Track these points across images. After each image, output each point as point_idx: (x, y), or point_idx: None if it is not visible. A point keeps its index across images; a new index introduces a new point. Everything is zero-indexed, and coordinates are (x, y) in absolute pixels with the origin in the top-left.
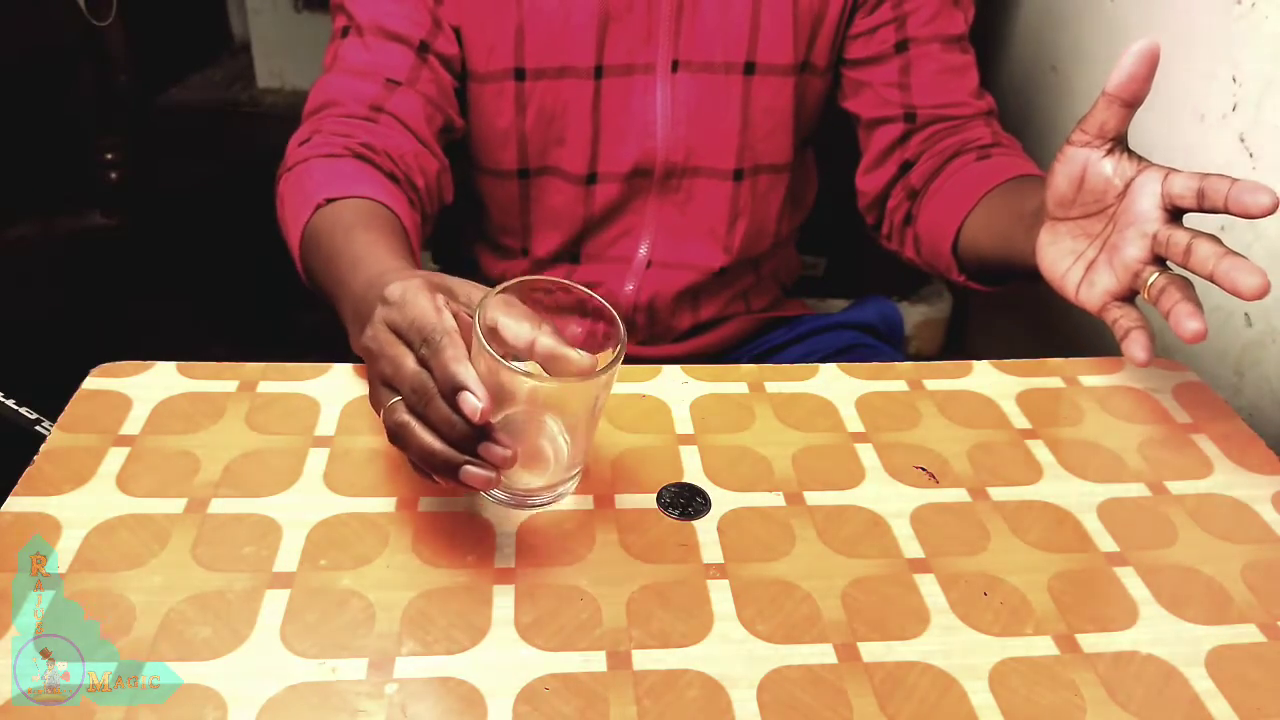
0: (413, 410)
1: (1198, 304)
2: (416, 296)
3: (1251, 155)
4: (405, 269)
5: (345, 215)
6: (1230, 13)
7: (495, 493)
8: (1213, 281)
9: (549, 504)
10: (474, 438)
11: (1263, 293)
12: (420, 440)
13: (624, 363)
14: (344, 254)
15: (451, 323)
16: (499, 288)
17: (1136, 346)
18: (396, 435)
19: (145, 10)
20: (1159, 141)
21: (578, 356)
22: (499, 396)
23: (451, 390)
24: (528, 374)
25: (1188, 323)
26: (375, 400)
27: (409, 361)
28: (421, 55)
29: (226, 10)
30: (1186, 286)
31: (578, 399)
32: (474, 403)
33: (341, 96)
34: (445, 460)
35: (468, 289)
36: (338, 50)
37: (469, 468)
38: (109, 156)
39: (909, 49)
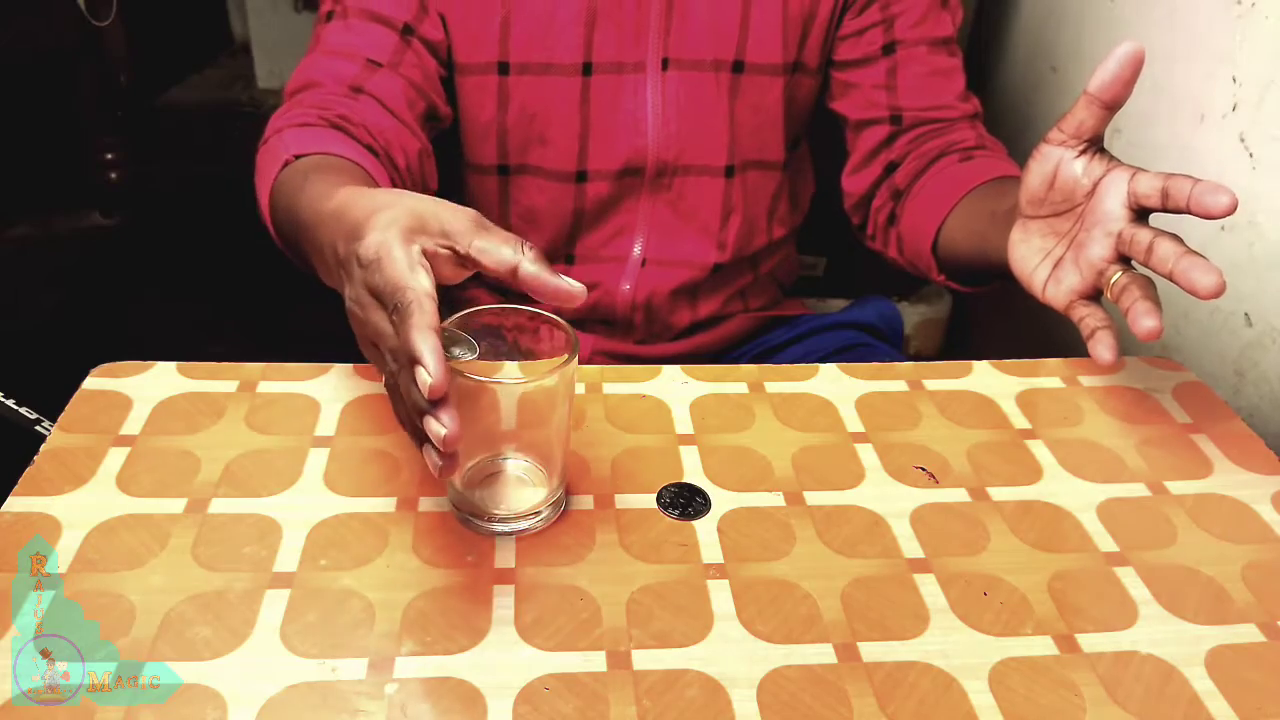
0: (394, 376)
1: (1156, 303)
2: (389, 252)
3: (1251, 155)
4: (363, 201)
5: (307, 166)
6: (1230, 12)
7: (482, 523)
8: (1171, 280)
9: (538, 526)
10: (428, 410)
11: (1218, 292)
12: (397, 410)
13: (624, 362)
14: (301, 198)
15: (423, 281)
16: (449, 321)
17: (1102, 346)
18: (391, 400)
19: (145, 10)
20: (1159, 141)
21: (568, 284)
22: (464, 408)
23: (409, 361)
24: (474, 377)
25: (1144, 320)
26: (370, 359)
27: (386, 326)
28: (405, 38)
29: (226, 10)
30: (1147, 285)
31: (541, 400)
32: (424, 378)
33: (321, 77)
34: (412, 431)
35: (441, 216)
36: (320, 33)
37: (426, 447)
38: (109, 156)
39: (896, 51)
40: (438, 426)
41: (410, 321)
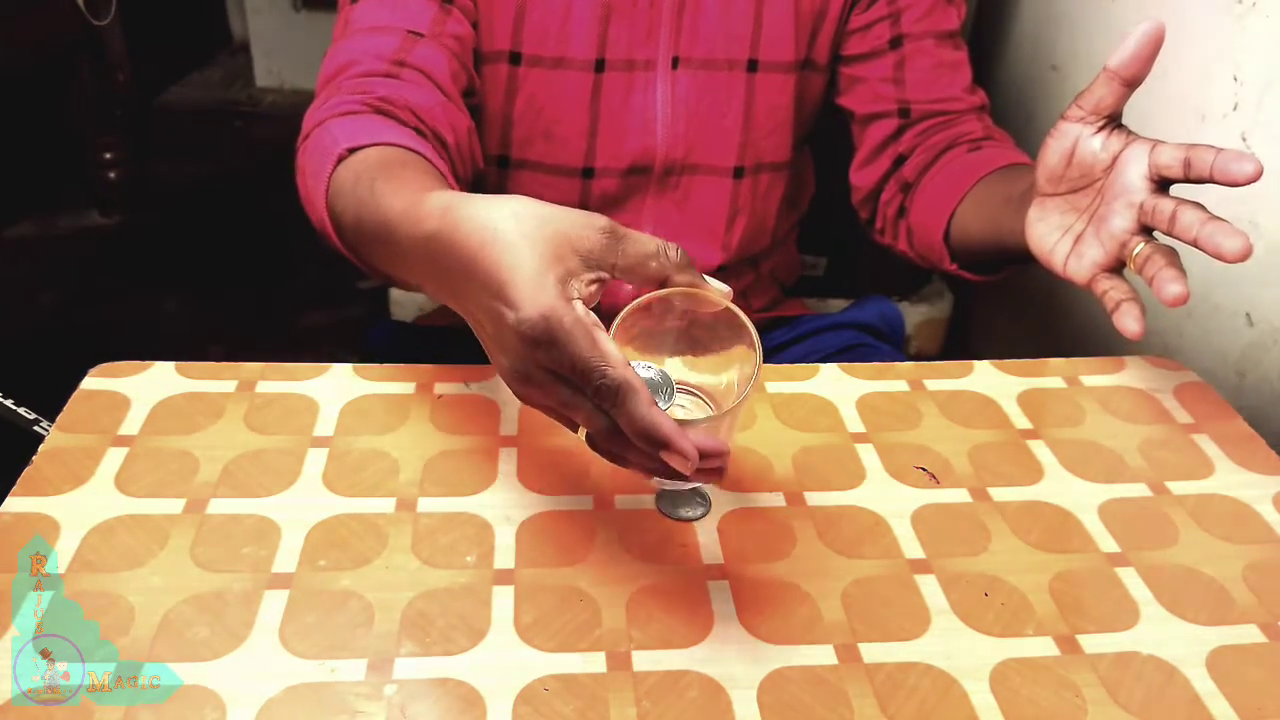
0: (606, 448)
1: (1181, 270)
2: (561, 328)
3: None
4: (474, 238)
5: (366, 166)
6: (1231, 12)
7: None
8: (1197, 246)
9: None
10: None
11: (1245, 255)
12: (636, 462)
13: None
14: (378, 208)
15: (613, 354)
16: (616, 334)
17: (1129, 318)
18: (609, 459)
19: (144, 9)
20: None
21: (717, 291)
22: None
23: (652, 447)
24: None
25: (1170, 286)
26: (544, 411)
27: (584, 405)
28: (445, 6)
29: (226, 10)
30: (1171, 254)
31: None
32: (684, 464)
33: (358, 56)
34: (672, 475)
35: (579, 243)
36: (348, 16)
37: (699, 472)
38: (108, 156)
39: (903, 45)
40: (718, 463)
41: (628, 405)
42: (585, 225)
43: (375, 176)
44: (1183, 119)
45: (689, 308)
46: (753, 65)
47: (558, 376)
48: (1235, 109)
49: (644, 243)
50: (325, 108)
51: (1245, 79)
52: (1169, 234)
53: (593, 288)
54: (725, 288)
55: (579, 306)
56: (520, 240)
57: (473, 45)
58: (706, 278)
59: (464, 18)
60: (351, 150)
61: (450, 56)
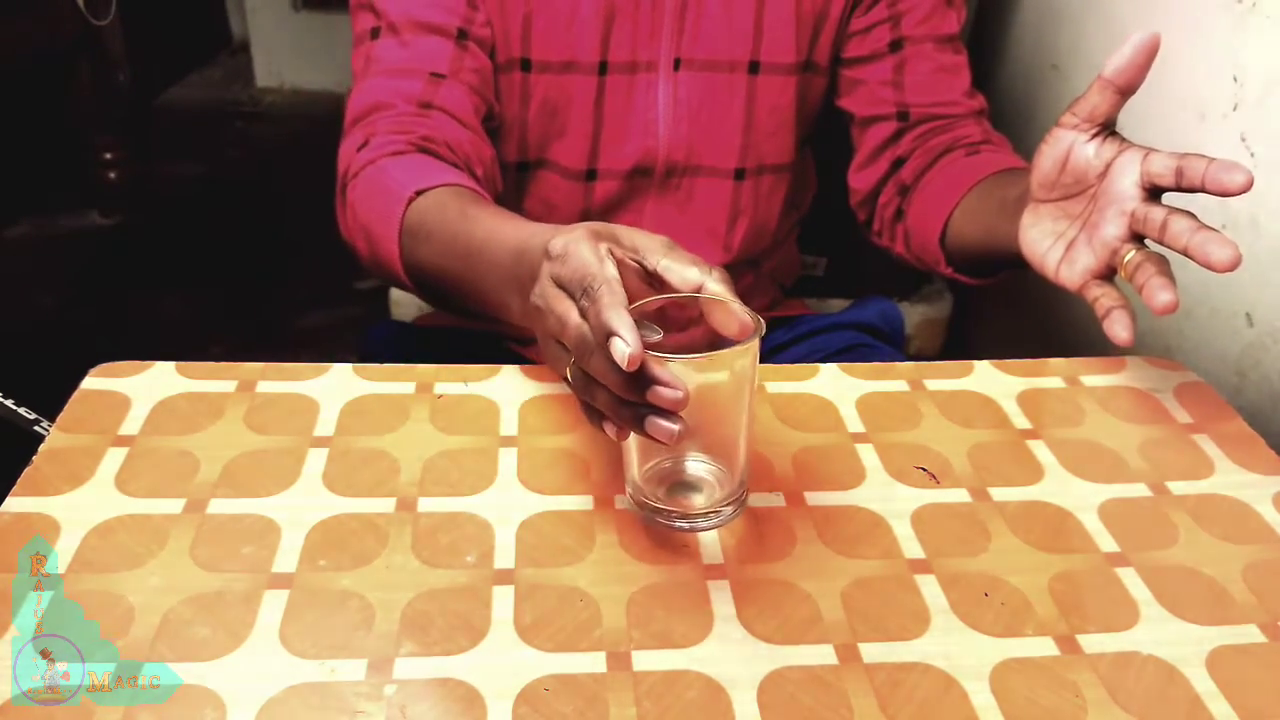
0: (579, 365)
1: (1171, 278)
2: (579, 246)
3: (1253, 155)
4: (554, 227)
5: (449, 201)
6: (1231, 11)
7: (665, 522)
8: (1187, 255)
9: (719, 525)
10: (637, 385)
11: (1233, 265)
12: (600, 397)
13: None
14: (471, 235)
15: (612, 270)
16: (635, 306)
17: (1118, 325)
18: (581, 392)
19: (144, 9)
20: (1160, 140)
21: (741, 308)
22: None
23: (604, 338)
24: (664, 356)
25: (1160, 294)
26: (549, 358)
27: (573, 315)
28: (461, 43)
29: (226, 10)
30: (1161, 262)
31: (724, 385)
32: (621, 348)
33: (388, 98)
34: (624, 415)
35: (633, 234)
36: (369, 52)
37: (651, 418)
38: (108, 156)
39: (903, 48)
40: (668, 393)
41: (602, 301)
42: (643, 232)
43: (463, 206)
44: (1183, 119)
45: (714, 324)
46: (754, 67)
47: (562, 288)
48: (1235, 109)
49: (692, 256)
50: (370, 148)
51: (1245, 79)
52: (1160, 242)
53: (632, 264)
54: (756, 318)
55: (602, 247)
56: (580, 225)
57: (491, 74)
58: (743, 306)
59: (480, 50)
60: (420, 192)
61: (471, 92)
